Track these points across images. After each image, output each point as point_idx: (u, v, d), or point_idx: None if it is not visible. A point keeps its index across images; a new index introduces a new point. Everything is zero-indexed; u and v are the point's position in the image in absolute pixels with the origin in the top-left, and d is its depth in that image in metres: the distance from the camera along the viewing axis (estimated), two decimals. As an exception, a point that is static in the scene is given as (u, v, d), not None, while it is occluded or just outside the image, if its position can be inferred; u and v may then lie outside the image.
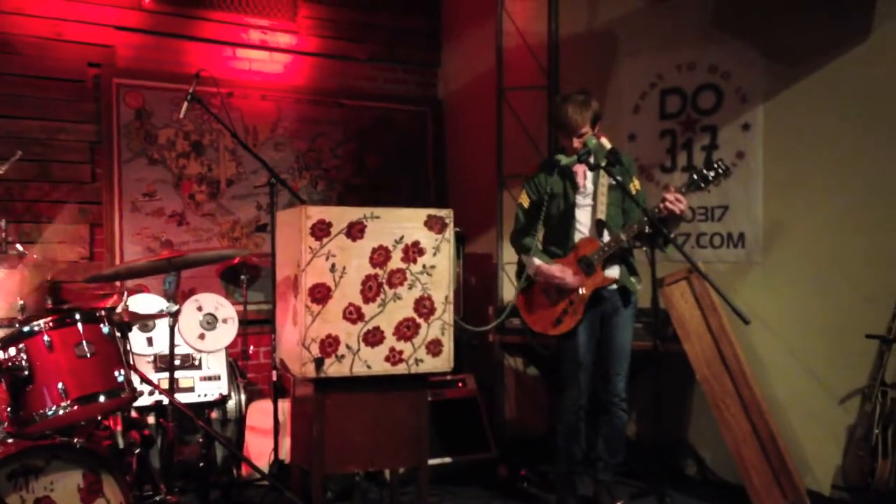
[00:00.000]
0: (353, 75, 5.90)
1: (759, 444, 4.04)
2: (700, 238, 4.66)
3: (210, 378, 4.37)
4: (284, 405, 4.09)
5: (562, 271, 3.80)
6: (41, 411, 3.01)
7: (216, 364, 4.39)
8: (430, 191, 6.18)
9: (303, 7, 5.69)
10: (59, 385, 3.02)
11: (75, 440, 3.06)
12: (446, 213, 3.38)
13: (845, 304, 4.13)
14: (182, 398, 4.05)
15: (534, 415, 5.43)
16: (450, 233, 3.37)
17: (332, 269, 3.20)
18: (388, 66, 6.06)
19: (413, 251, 3.31)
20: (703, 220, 4.65)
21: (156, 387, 3.48)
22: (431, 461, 3.80)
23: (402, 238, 3.30)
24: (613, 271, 3.84)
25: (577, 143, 3.76)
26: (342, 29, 5.85)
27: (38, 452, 2.92)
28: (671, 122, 4.78)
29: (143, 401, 3.91)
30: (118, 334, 3.25)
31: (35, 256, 3.59)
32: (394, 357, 3.29)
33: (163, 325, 3.91)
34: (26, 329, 3.07)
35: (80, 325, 3.13)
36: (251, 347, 4.91)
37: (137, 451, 3.65)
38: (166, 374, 3.70)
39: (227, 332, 4.09)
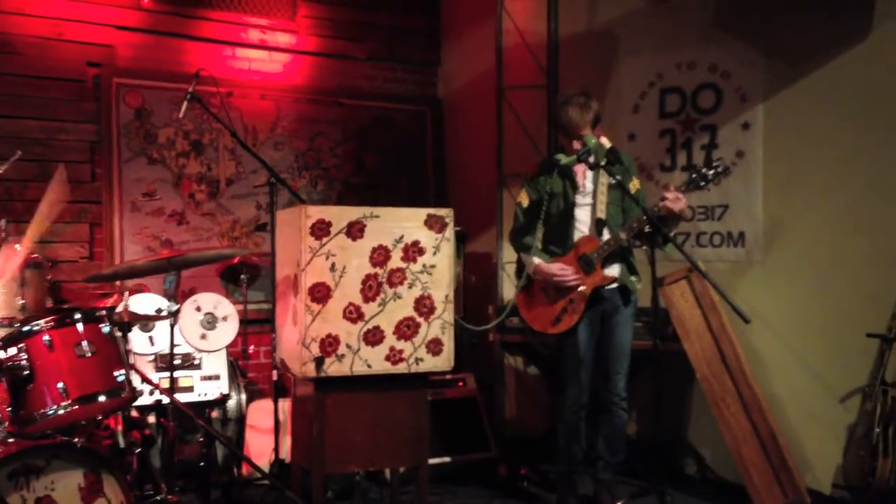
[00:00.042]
0: (353, 75, 5.90)
1: (759, 443, 4.04)
2: (700, 237, 4.66)
3: (210, 377, 4.37)
4: (285, 404, 4.09)
5: (561, 270, 3.80)
6: (42, 411, 3.01)
7: (216, 363, 4.39)
8: (430, 190, 6.18)
9: (302, 6, 5.68)
10: (60, 385, 3.02)
11: (76, 440, 3.06)
12: (446, 213, 3.38)
13: (846, 302, 4.13)
14: (182, 398, 4.05)
15: (534, 414, 5.43)
16: (450, 232, 3.37)
17: (332, 268, 3.20)
18: (387, 66, 6.06)
19: (413, 250, 3.31)
20: (703, 219, 4.65)
21: (156, 386, 3.49)
22: (431, 460, 3.80)
23: (401, 237, 3.29)
24: (613, 270, 3.84)
25: (577, 144, 3.76)
26: (341, 28, 5.85)
27: (38, 452, 2.92)
28: (671, 122, 4.78)
29: (144, 400, 3.92)
30: (118, 334, 3.25)
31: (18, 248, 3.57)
32: (394, 356, 3.28)
33: (163, 324, 3.90)
34: (26, 329, 3.07)
35: (80, 325, 3.12)
36: (251, 347, 4.90)
37: (138, 450, 3.65)
38: (167, 374, 3.71)
39: (228, 330, 4.09)
